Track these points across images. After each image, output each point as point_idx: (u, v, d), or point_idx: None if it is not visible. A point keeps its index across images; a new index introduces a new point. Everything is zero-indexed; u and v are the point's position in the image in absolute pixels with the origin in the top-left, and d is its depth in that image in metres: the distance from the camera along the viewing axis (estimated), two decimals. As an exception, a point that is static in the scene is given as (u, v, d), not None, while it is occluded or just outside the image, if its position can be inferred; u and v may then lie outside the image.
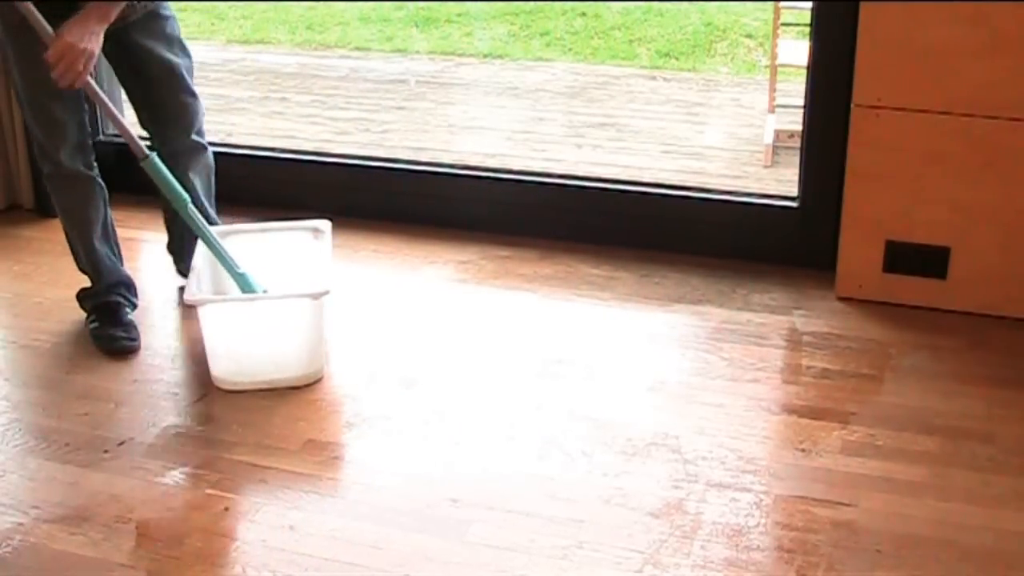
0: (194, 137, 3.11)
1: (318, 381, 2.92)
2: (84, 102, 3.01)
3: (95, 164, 3.09)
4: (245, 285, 2.96)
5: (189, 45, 3.11)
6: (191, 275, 2.92)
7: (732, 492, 2.49)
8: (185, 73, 3.03)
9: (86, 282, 3.21)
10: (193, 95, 3.07)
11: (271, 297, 2.93)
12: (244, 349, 2.88)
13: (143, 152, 2.88)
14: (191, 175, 3.12)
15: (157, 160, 2.89)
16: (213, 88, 5.98)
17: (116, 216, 3.21)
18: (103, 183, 3.13)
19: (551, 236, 3.62)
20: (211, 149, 3.21)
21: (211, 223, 3.09)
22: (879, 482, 2.51)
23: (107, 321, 3.13)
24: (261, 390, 2.87)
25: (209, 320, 2.84)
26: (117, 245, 3.23)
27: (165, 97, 3.03)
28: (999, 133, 2.99)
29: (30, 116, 3.01)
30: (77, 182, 3.06)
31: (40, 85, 2.88)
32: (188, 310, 3.05)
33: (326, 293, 2.85)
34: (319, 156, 4.10)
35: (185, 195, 2.93)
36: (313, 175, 3.86)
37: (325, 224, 3.11)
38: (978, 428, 2.68)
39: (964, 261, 3.12)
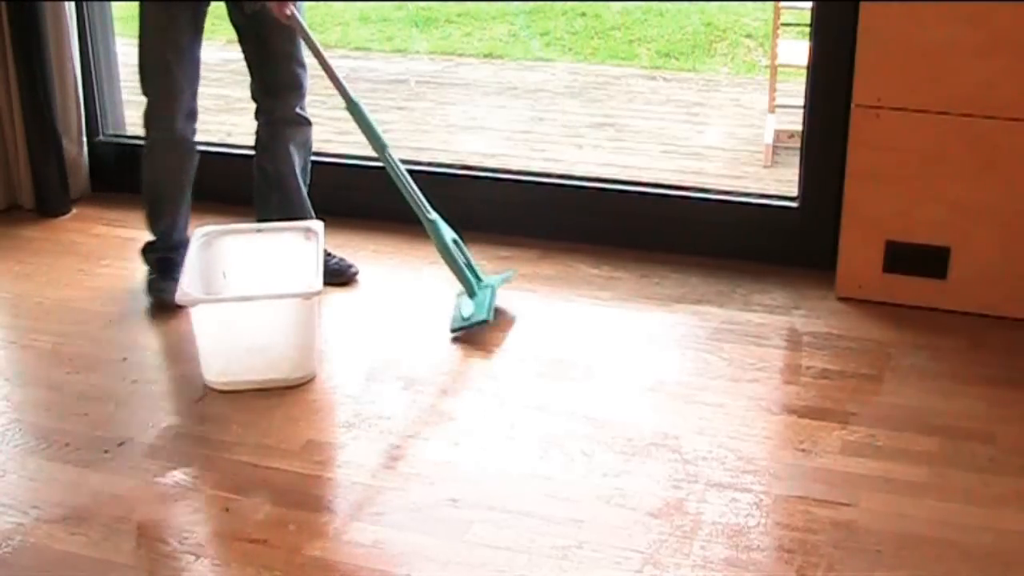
0: (298, 110, 3.26)
1: (310, 381, 2.92)
2: (199, 72, 3.16)
3: (196, 132, 3.24)
4: (435, 232, 3.14)
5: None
6: (182, 275, 2.91)
7: (732, 492, 2.49)
8: (298, 36, 3.13)
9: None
10: (303, 66, 3.19)
11: (262, 297, 2.93)
12: (235, 349, 2.88)
13: (349, 97, 3.09)
14: (292, 147, 3.26)
15: (361, 105, 3.10)
16: (213, 88, 5.96)
17: (116, 216, 3.21)
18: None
19: (551, 236, 3.61)
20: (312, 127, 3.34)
21: (301, 201, 3.29)
22: (879, 482, 2.51)
23: (164, 275, 3.24)
24: (256, 390, 2.87)
25: (200, 320, 2.84)
26: (189, 210, 3.35)
27: (281, 66, 3.16)
28: (999, 133, 2.99)
29: (151, 81, 3.13)
30: (183, 148, 3.21)
31: (170, 49, 3.07)
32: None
33: (318, 293, 2.85)
34: (319, 156, 4.09)
35: (384, 140, 3.14)
36: (313, 175, 3.86)
37: (318, 224, 3.11)
38: (978, 428, 2.68)
39: (964, 261, 3.12)
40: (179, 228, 3.32)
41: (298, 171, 3.32)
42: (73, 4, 3.80)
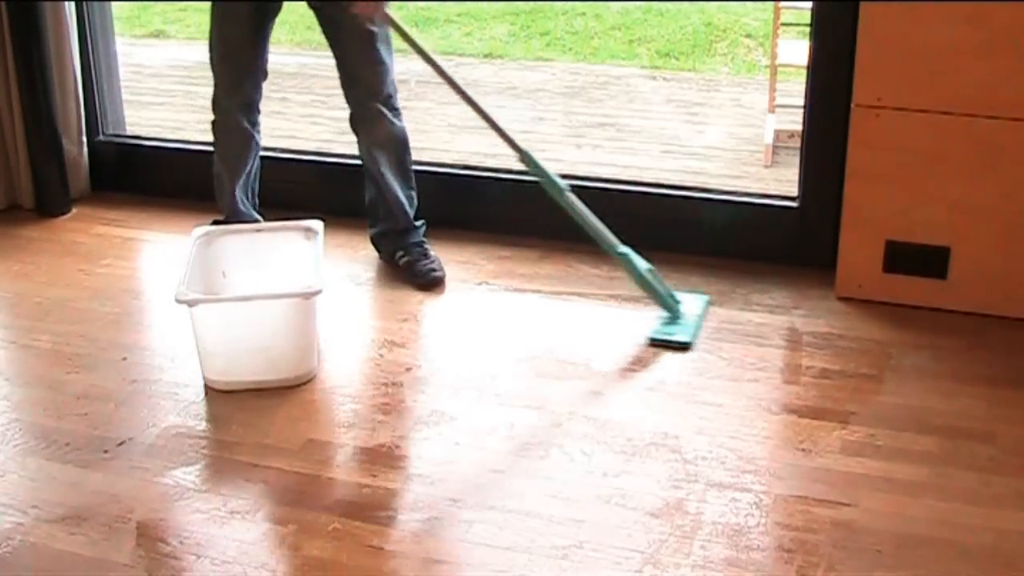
0: (378, 104, 3.29)
1: (310, 381, 2.92)
2: (264, 69, 3.33)
3: (258, 122, 3.39)
4: (629, 265, 3.11)
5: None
6: (182, 275, 2.91)
7: (732, 492, 2.49)
8: (378, 38, 3.19)
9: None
10: (381, 62, 3.23)
11: (262, 297, 2.93)
12: (235, 349, 2.88)
13: (520, 149, 3.13)
14: (373, 143, 3.31)
15: (531, 155, 3.13)
16: (213, 88, 5.99)
17: (116, 216, 3.20)
18: (259, 140, 3.42)
19: (551, 236, 3.61)
20: (403, 124, 3.37)
21: (394, 198, 3.33)
22: (879, 482, 2.51)
23: None
24: (255, 390, 2.87)
25: (201, 320, 2.84)
26: (254, 192, 3.49)
27: (355, 58, 3.22)
28: (999, 133, 2.99)
29: (214, 69, 3.30)
30: (237, 133, 3.35)
31: (226, 45, 3.25)
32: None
33: (318, 293, 2.85)
34: (319, 156, 4.09)
35: (560, 182, 3.13)
36: (313, 175, 3.86)
37: (317, 224, 3.11)
38: (978, 428, 2.68)
39: (964, 261, 3.12)
40: (240, 205, 3.43)
41: (385, 167, 3.34)
42: (73, 4, 3.80)
